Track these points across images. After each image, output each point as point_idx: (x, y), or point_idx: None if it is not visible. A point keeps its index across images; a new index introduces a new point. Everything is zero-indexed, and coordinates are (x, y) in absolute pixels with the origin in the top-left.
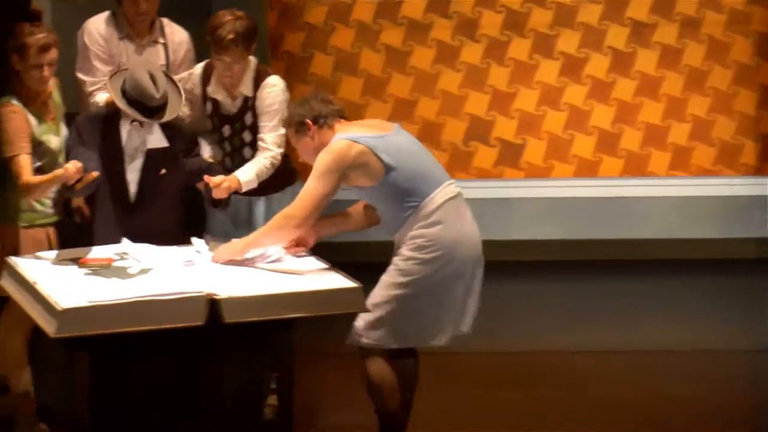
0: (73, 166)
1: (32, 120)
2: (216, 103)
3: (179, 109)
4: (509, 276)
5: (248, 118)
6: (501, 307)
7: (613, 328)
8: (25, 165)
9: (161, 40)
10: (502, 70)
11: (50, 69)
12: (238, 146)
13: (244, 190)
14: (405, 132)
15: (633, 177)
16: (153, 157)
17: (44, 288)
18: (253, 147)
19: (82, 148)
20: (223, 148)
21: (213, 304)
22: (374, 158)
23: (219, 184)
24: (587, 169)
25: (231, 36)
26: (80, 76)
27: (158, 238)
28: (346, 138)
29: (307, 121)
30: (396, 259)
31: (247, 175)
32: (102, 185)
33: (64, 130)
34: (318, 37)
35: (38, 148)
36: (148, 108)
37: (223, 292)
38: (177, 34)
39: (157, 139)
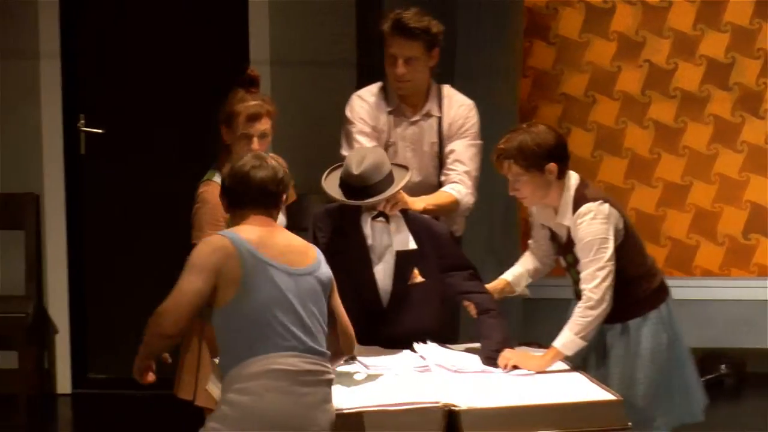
0: None
1: None
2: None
3: (385, 195)
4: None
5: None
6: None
7: None
8: None
9: (436, 113)
10: None
11: (261, 142)
12: (576, 280)
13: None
14: None
15: None
16: (406, 261)
17: None
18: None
19: None
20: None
21: (451, 416)
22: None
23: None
24: None
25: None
26: (344, 154)
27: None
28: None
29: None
30: None
31: (569, 342)
32: (347, 288)
33: (281, 219)
34: (577, 110)
35: None
36: (351, 187)
37: (462, 402)
38: (454, 106)
39: (402, 241)
